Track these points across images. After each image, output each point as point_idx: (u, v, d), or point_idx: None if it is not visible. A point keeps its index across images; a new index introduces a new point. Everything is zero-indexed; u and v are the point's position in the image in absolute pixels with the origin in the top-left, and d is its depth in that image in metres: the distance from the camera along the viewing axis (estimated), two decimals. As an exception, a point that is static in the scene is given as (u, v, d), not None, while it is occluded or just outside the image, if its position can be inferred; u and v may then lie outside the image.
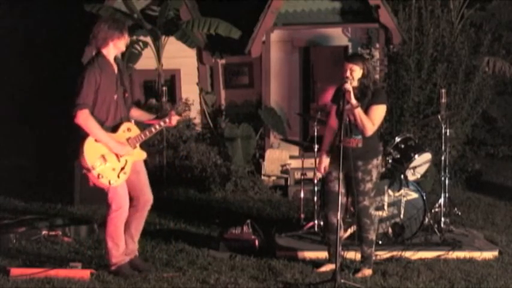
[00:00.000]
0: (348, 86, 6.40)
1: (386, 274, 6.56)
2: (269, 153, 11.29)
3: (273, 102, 11.51)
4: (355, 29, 11.62)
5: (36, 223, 7.90)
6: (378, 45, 11.37)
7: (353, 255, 6.89)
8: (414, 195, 7.49)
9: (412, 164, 7.70)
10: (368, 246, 6.66)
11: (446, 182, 8.13)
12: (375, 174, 6.56)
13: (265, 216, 9.09)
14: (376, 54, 11.34)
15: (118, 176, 6.27)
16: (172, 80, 11.96)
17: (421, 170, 7.85)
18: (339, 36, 11.66)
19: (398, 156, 7.62)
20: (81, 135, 6.20)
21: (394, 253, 7.11)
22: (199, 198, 10.29)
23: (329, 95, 7.08)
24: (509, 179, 11.98)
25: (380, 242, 7.22)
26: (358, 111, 6.43)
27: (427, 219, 7.53)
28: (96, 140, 6.19)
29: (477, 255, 7.17)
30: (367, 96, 6.52)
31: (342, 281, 6.12)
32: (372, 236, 6.65)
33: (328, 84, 11.81)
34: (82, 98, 6.13)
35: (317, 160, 7.57)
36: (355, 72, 6.50)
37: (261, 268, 6.72)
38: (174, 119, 6.53)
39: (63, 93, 7.97)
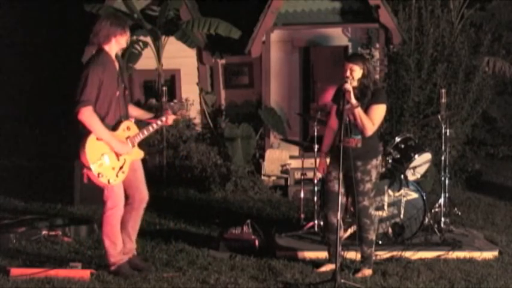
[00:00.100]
0: (348, 86, 6.40)
1: (386, 274, 6.55)
2: (269, 153, 11.28)
3: (273, 102, 11.50)
4: (355, 29, 11.61)
5: (36, 223, 7.88)
6: (378, 45, 11.37)
7: (353, 255, 6.87)
8: (414, 195, 7.48)
9: (412, 164, 7.70)
10: (368, 246, 6.65)
11: (446, 182, 8.11)
12: (374, 174, 6.56)
13: (265, 216, 9.08)
14: (376, 54, 11.34)
15: (117, 175, 6.27)
16: (172, 80, 11.95)
17: (421, 170, 7.84)
18: (339, 36, 11.66)
19: (398, 156, 7.61)
20: (82, 134, 6.19)
21: (394, 253, 7.10)
22: (199, 198, 10.28)
23: (329, 95, 7.09)
24: (509, 179, 11.98)
25: (380, 242, 7.21)
26: (358, 111, 6.43)
27: (427, 219, 7.52)
28: (97, 138, 6.19)
29: (477, 255, 7.16)
30: (367, 96, 6.51)
31: (342, 281, 6.11)
32: (372, 236, 6.64)
33: (328, 84, 11.84)
34: (86, 95, 6.12)
35: (317, 160, 7.58)
36: (355, 72, 6.50)
37: (261, 268, 6.71)
38: (170, 118, 6.59)
39: (63, 93, 7.98)
